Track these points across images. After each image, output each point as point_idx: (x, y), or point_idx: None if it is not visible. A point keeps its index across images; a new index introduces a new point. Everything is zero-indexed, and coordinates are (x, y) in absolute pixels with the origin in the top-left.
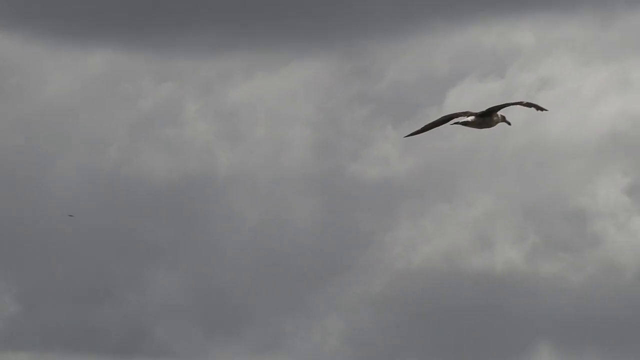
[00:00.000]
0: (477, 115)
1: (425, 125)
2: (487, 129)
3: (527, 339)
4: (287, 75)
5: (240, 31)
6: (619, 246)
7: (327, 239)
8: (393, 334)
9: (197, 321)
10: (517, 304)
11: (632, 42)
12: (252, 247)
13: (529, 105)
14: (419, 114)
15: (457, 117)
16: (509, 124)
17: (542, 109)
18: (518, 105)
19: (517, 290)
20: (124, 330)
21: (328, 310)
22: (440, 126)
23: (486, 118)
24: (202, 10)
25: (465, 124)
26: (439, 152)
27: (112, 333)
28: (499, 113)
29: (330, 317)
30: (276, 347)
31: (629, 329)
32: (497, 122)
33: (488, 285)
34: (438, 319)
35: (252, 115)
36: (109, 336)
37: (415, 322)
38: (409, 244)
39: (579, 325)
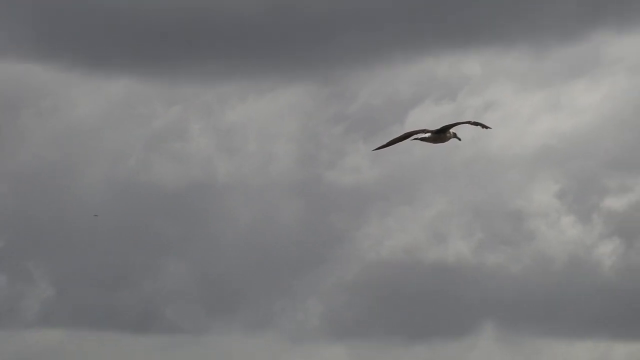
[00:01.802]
0: (433, 132)
1: (390, 141)
2: (442, 143)
3: (474, 317)
4: (274, 98)
5: (235, 63)
6: (550, 241)
7: (308, 235)
8: (363, 314)
9: (200, 303)
10: (466, 288)
11: (561, 72)
12: (246, 241)
13: (475, 124)
14: (384, 131)
15: (416, 134)
16: (459, 139)
17: (486, 127)
18: (467, 124)
19: (466, 277)
20: (139, 310)
21: (309, 294)
22: (403, 141)
23: (441, 134)
24: (203, 47)
25: (423, 139)
26: (401, 163)
27: (130, 313)
28: (451, 130)
29: (311, 299)
30: (266, 325)
31: (558, 309)
32: (449, 138)
33: (442, 273)
34: (401, 301)
35: (245, 132)
36: (128, 315)
37: (382, 303)
38: (377, 238)
39: (517, 306)
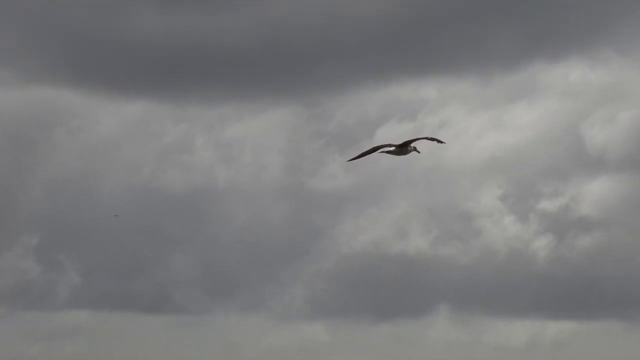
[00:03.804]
0: (397, 146)
1: (361, 153)
2: (404, 155)
3: (431, 300)
4: (266, 118)
5: (233, 88)
6: (494, 237)
7: (293, 231)
8: (339, 297)
9: (203, 288)
10: (424, 276)
11: (503, 96)
12: (241, 237)
13: (432, 139)
14: (357, 145)
15: (383, 147)
16: (419, 152)
17: (441, 142)
18: (425, 139)
19: (424, 267)
20: (152, 294)
21: (294, 281)
22: (372, 153)
23: (403, 148)
24: (206, 75)
25: (388, 152)
26: (371, 172)
27: (144, 297)
28: (412, 144)
29: (295, 285)
30: (258, 306)
31: (501, 293)
32: (411, 151)
33: (404, 263)
34: (370, 286)
35: (241, 145)
36: (143, 299)
37: (355, 288)
38: (350, 234)
39: (467, 291)
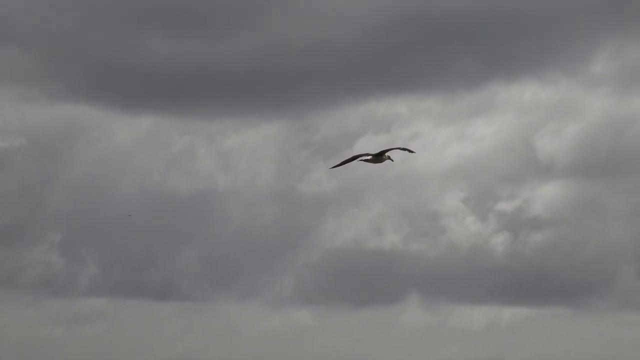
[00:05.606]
0: (373, 155)
1: (342, 161)
2: (380, 163)
3: (403, 288)
4: (259, 130)
5: (231, 105)
6: (457, 234)
7: (283, 229)
8: (324, 286)
9: (206, 279)
10: (397, 268)
11: (466, 111)
12: (239, 234)
13: (404, 149)
14: (338, 154)
15: (361, 156)
16: (392, 160)
17: (412, 152)
18: (398, 149)
19: (397, 260)
20: (161, 284)
21: (284, 272)
22: (351, 162)
23: (379, 157)
24: (208, 93)
25: (366, 160)
26: (351, 177)
27: (154, 286)
28: (387, 154)
29: (285, 276)
30: (253, 295)
31: (463, 282)
32: (385, 159)
33: (380, 257)
34: (350, 277)
35: (238, 155)
36: (153, 288)
37: (337, 279)
38: (333, 232)
39: (434, 281)
